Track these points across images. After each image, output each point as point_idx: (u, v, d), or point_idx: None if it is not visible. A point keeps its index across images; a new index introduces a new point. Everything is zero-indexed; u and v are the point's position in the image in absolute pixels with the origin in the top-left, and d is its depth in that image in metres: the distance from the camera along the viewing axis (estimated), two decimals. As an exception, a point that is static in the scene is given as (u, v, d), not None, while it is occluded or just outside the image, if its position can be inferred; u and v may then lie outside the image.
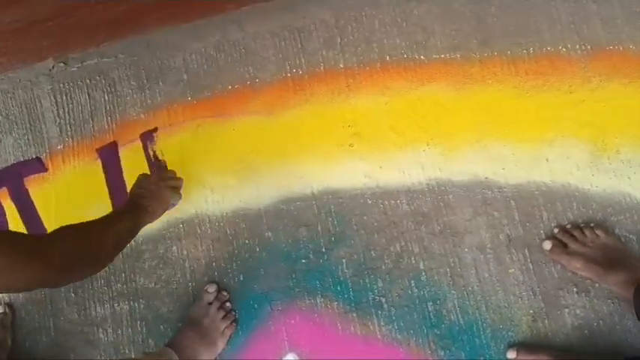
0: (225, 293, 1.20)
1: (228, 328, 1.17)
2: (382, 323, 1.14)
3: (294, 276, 1.19)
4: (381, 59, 1.23)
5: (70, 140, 1.33)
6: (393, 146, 1.19)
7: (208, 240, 1.24)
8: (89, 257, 0.88)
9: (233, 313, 1.19)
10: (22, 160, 1.33)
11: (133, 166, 1.29)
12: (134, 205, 1.06)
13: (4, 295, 1.29)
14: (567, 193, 1.12)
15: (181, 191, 1.21)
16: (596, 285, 1.08)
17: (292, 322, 1.17)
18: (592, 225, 1.09)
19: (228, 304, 1.19)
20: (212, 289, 1.19)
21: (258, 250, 1.21)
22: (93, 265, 0.90)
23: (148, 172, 1.25)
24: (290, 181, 1.22)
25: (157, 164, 1.29)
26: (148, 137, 1.29)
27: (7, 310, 1.28)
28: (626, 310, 1.06)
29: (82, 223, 0.91)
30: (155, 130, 1.29)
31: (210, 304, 1.17)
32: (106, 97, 1.33)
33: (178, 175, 1.22)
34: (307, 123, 1.23)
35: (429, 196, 1.16)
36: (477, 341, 1.10)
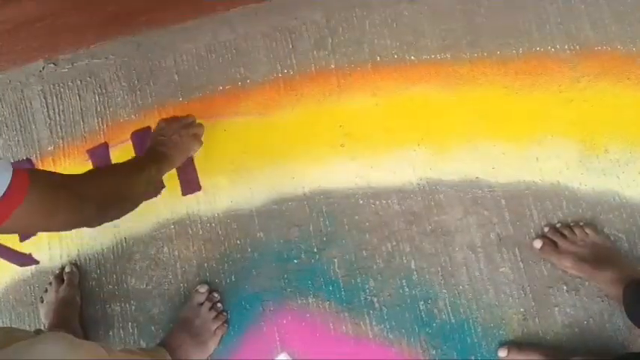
0: (216, 295, 1.19)
1: (220, 328, 1.16)
2: (374, 323, 1.14)
3: (285, 276, 1.19)
4: (372, 60, 1.23)
5: (61, 141, 1.33)
6: (384, 146, 1.19)
7: (200, 241, 1.23)
8: (120, 199, 0.91)
9: (224, 313, 1.19)
10: (12, 161, 1.32)
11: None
12: (155, 153, 1.06)
13: (70, 253, 1.28)
14: (557, 192, 1.13)
15: (202, 138, 1.20)
16: (586, 283, 1.09)
17: (284, 322, 1.17)
18: (581, 224, 1.10)
19: (219, 304, 1.19)
20: (203, 289, 1.19)
21: (249, 250, 1.21)
22: (122, 208, 0.93)
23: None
24: (281, 182, 1.22)
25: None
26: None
27: (73, 269, 1.26)
28: (616, 308, 1.07)
29: (111, 167, 0.95)
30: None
31: (201, 304, 1.17)
32: (97, 98, 1.33)
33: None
34: (298, 123, 1.23)
35: (420, 196, 1.17)
36: (468, 340, 1.11)
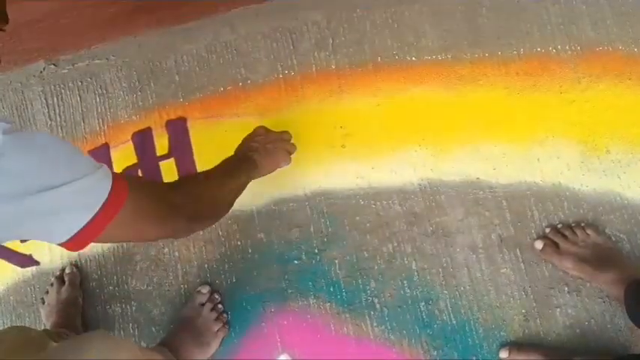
0: (217, 296, 1.19)
1: (221, 330, 1.16)
2: (375, 324, 1.14)
3: (286, 277, 1.19)
4: (373, 60, 1.23)
5: (62, 142, 1.32)
6: (384, 147, 1.19)
7: (200, 242, 1.23)
8: (213, 209, 0.89)
9: (225, 315, 1.19)
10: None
11: (125, 167, 1.28)
12: (246, 159, 1.02)
13: (70, 254, 1.27)
14: (558, 192, 1.13)
15: (292, 156, 1.14)
16: (588, 284, 1.09)
17: (285, 323, 1.17)
18: (583, 224, 1.10)
19: (220, 305, 1.18)
20: (205, 290, 1.19)
21: (250, 251, 1.21)
22: (214, 217, 0.91)
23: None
24: (282, 183, 1.22)
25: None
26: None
27: (74, 270, 1.26)
28: (618, 309, 1.07)
29: (203, 175, 0.92)
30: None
31: (202, 305, 1.17)
32: (98, 99, 1.33)
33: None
34: (299, 124, 1.23)
35: (421, 197, 1.17)
36: (469, 341, 1.11)
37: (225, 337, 1.17)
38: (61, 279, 1.24)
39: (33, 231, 0.62)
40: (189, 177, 0.88)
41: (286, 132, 1.17)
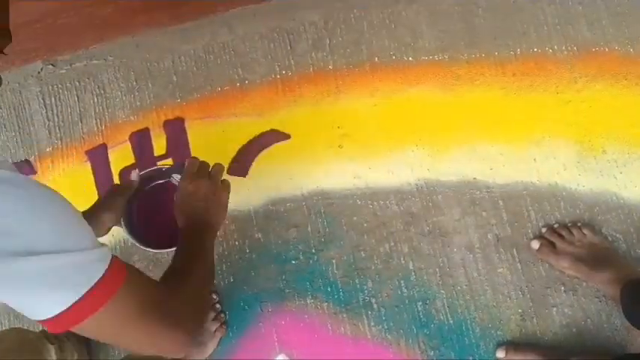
0: (215, 296, 1.19)
1: (219, 330, 1.16)
2: (372, 323, 1.14)
3: (284, 277, 1.19)
4: (370, 61, 1.23)
5: (59, 142, 1.33)
6: (382, 147, 1.20)
7: (198, 242, 1.23)
8: (204, 302, 0.83)
9: (223, 314, 1.19)
10: (11, 161, 1.32)
11: (123, 167, 1.28)
12: (202, 224, 0.87)
13: None
14: (554, 192, 1.14)
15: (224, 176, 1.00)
16: (584, 284, 1.09)
17: (283, 323, 1.17)
18: (579, 224, 1.11)
19: (218, 305, 1.19)
20: None
21: (248, 251, 1.21)
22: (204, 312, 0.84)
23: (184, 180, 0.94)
24: (280, 183, 1.22)
25: (191, 164, 0.96)
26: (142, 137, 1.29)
27: None
28: (614, 308, 1.07)
29: (184, 272, 0.75)
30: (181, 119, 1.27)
31: None
32: (95, 99, 1.33)
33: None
34: (296, 124, 1.23)
35: (418, 197, 1.17)
36: (466, 341, 1.11)
37: (223, 337, 1.17)
38: None
39: (14, 300, 0.54)
40: (173, 277, 0.74)
41: (204, 164, 0.97)
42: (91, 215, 0.90)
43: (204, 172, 0.94)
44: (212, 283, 0.86)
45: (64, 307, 0.54)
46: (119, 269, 0.59)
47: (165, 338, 0.63)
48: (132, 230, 1.05)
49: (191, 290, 0.72)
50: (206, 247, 0.84)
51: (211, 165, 0.97)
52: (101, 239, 0.69)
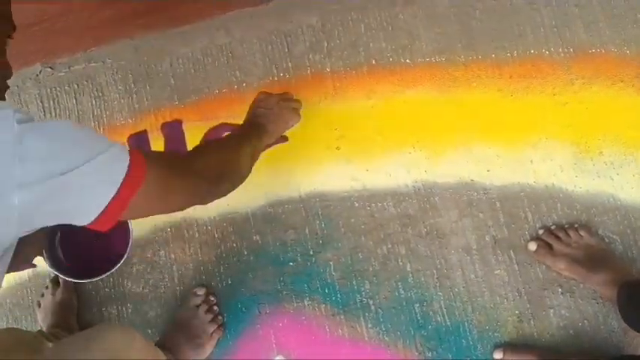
0: (212, 298, 1.19)
1: (216, 332, 1.16)
2: (370, 325, 1.14)
3: (281, 279, 1.19)
4: (368, 63, 1.24)
5: (58, 145, 1.33)
6: (379, 149, 1.20)
7: (196, 244, 1.24)
8: (230, 172, 0.90)
9: (221, 316, 1.19)
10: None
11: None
12: (255, 126, 1.05)
13: None
14: (551, 194, 1.14)
15: (301, 112, 1.19)
16: (581, 285, 1.09)
17: (280, 324, 1.18)
18: (576, 226, 1.11)
19: (215, 307, 1.19)
20: (201, 291, 1.19)
21: (246, 253, 1.22)
22: (232, 182, 0.91)
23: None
24: (277, 185, 1.22)
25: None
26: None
27: None
28: (611, 310, 1.07)
29: (215, 143, 0.94)
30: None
31: (197, 306, 1.17)
32: (94, 102, 1.33)
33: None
34: (294, 126, 1.23)
35: (415, 199, 1.17)
36: (463, 342, 1.11)
37: (221, 339, 1.18)
38: (56, 281, 1.25)
39: (58, 214, 0.63)
40: (203, 146, 0.93)
41: (287, 92, 1.20)
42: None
43: (282, 94, 1.16)
44: (244, 171, 0.95)
45: (107, 201, 0.63)
46: (138, 156, 0.68)
47: (192, 189, 0.79)
48: (54, 262, 1.16)
49: (217, 156, 0.87)
50: (247, 139, 0.98)
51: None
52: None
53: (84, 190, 0.62)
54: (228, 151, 0.92)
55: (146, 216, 0.74)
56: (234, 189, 0.91)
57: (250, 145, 0.98)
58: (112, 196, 0.63)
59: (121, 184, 0.64)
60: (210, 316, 1.17)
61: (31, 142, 0.58)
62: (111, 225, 0.66)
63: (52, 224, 0.64)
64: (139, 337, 0.83)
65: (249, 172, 0.97)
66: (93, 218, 0.64)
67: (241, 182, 0.93)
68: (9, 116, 0.58)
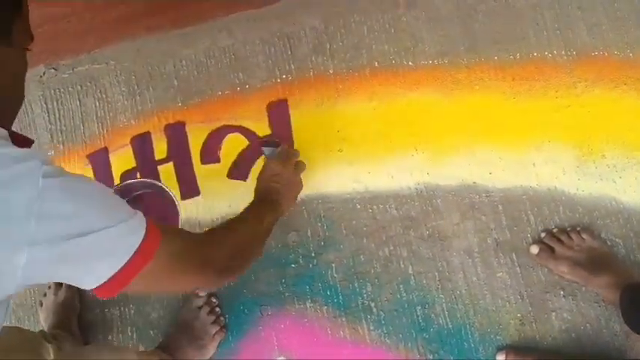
0: (214, 299, 1.20)
1: (219, 333, 1.17)
2: (371, 327, 1.15)
3: (283, 281, 1.19)
4: (370, 65, 1.24)
5: (61, 146, 1.34)
6: (381, 151, 1.20)
7: (198, 245, 1.24)
8: (242, 259, 0.86)
9: (223, 318, 1.19)
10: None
11: (124, 171, 1.29)
12: (270, 204, 0.99)
13: None
14: (554, 197, 1.14)
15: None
16: (583, 288, 1.09)
17: (282, 326, 1.18)
18: (578, 229, 1.10)
19: (217, 308, 1.19)
20: (203, 293, 1.19)
21: (248, 255, 1.22)
22: (244, 267, 0.88)
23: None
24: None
25: (273, 145, 1.13)
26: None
27: None
28: (613, 313, 1.07)
29: (232, 225, 0.88)
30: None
31: (199, 308, 1.17)
32: (97, 103, 1.34)
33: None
34: (296, 128, 1.24)
35: (418, 201, 1.17)
36: (465, 345, 1.11)
37: (223, 341, 1.18)
38: (58, 282, 1.25)
39: (63, 275, 0.60)
40: (220, 228, 0.88)
41: (295, 151, 1.15)
42: None
43: (292, 161, 1.09)
44: (258, 251, 0.92)
45: (113, 272, 0.61)
46: (154, 231, 0.65)
47: (199, 277, 0.75)
48: None
49: (231, 241, 0.82)
50: (262, 219, 0.94)
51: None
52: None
53: (95, 255, 0.60)
54: (245, 236, 0.87)
55: (151, 291, 0.72)
56: (243, 273, 0.90)
57: (266, 226, 0.95)
58: (121, 267, 0.61)
59: (132, 256, 0.62)
60: (212, 318, 1.17)
61: (53, 201, 0.56)
62: (112, 295, 0.64)
63: (60, 281, 0.62)
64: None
65: (262, 253, 0.96)
66: (96, 285, 0.62)
67: (251, 265, 0.90)
68: (35, 170, 0.55)
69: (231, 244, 0.82)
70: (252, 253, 0.89)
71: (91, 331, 1.25)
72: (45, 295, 1.25)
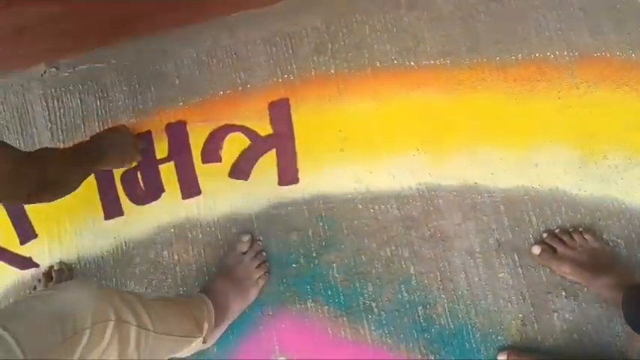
0: (259, 242, 1.20)
1: (262, 277, 1.16)
2: (372, 327, 1.14)
3: (284, 280, 1.19)
4: (372, 65, 1.24)
5: (62, 145, 1.33)
6: (383, 151, 1.20)
7: (199, 245, 1.24)
8: (53, 188, 0.99)
9: (267, 263, 1.19)
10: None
11: (125, 170, 1.29)
12: (99, 152, 1.14)
13: (69, 256, 1.29)
14: (556, 197, 1.13)
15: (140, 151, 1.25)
16: (585, 289, 1.09)
17: (283, 326, 1.17)
18: (580, 229, 1.10)
19: (263, 252, 1.19)
20: (246, 238, 1.19)
21: (249, 254, 1.21)
22: (56, 194, 1.01)
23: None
24: (281, 186, 1.22)
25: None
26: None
27: (63, 267, 1.27)
28: (615, 313, 1.07)
29: (54, 154, 1.03)
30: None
31: (244, 253, 1.17)
32: (98, 102, 1.34)
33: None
34: (298, 128, 1.24)
35: (419, 201, 1.17)
36: (466, 345, 1.11)
37: (265, 286, 1.18)
38: (49, 275, 1.25)
39: None
40: (44, 153, 1.00)
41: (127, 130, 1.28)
42: None
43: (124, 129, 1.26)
44: (64, 190, 1.05)
45: None
46: None
47: (16, 188, 0.89)
48: None
49: (44, 170, 0.96)
50: (82, 162, 1.10)
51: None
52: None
53: None
54: (58, 170, 1.01)
55: None
56: (55, 200, 1.00)
57: (83, 169, 1.09)
58: None
59: None
60: (256, 262, 1.17)
61: None
62: None
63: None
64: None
65: (74, 189, 1.06)
66: None
67: (64, 195, 1.03)
68: None
69: (46, 172, 0.96)
70: (61, 188, 1.02)
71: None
72: (34, 288, 1.25)
